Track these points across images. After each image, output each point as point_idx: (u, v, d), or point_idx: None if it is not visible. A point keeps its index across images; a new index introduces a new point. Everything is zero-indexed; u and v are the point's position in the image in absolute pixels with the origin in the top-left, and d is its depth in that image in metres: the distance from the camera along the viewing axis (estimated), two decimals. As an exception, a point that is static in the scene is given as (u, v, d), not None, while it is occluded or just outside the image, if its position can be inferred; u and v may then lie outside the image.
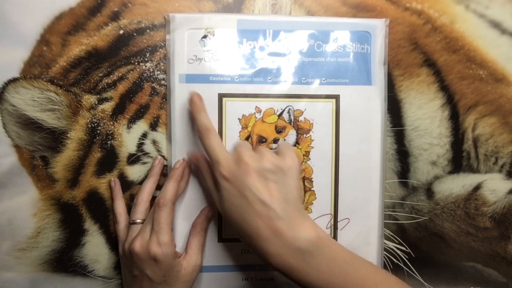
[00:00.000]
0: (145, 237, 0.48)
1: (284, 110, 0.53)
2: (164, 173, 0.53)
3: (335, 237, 0.54)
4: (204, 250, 0.52)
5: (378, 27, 0.54)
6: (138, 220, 0.50)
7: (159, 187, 0.52)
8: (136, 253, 0.47)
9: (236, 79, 0.53)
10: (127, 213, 0.52)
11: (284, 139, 0.53)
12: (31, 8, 0.52)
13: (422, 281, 0.57)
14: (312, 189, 0.54)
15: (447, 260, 0.58)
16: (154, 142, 0.53)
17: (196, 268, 0.50)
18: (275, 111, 0.53)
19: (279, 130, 0.53)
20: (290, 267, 0.42)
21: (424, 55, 0.56)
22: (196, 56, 0.52)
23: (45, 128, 0.52)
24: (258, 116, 0.53)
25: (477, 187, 0.57)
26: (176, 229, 0.53)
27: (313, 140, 0.54)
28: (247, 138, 0.53)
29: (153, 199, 0.51)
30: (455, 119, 0.56)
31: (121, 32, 0.53)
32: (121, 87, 0.53)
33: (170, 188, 0.49)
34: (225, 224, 0.53)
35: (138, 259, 0.47)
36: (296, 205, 0.44)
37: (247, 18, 0.53)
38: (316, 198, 0.54)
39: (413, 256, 0.57)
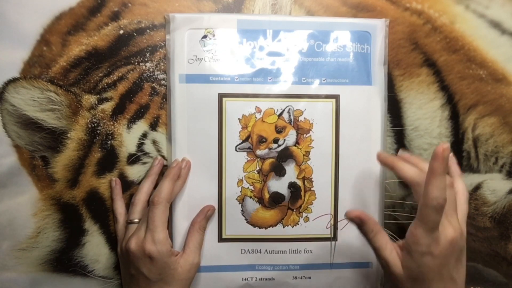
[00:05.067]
0: (140, 236, 0.48)
1: (284, 110, 0.53)
2: (163, 173, 0.53)
3: (335, 237, 0.54)
4: (202, 249, 0.53)
5: (378, 27, 0.54)
6: (136, 220, 0.50)
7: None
8: (132, 251, 0.47)
9: (236, 79, 0.53)
10: (127, 213, 0.52)
11: (284, 139, 0.53)
12: (31, 8, 0.52)
13: (422, 281, 0.57)
14: (312, 189, 0.54)
15: (447, 260, 0.58)
16: (154, 142, 0.53)
17: (194, 267, 0.50)
18: (275, 111, 0.53)
19: (279, 130, 0.53)
20: None
21: (424, 55, 0.56)
22: (196, 56, 0.52)
23: (45, 128, 0.52)
24: (258, 116, 0.53)
25: (477, 187, 0.57)
26: (175, 227, 0.53)
27: (313, 140, 0.54)
28: (247, 138, 0.53)
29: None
30: (455, 119, 0.56)
31: (121, 32, 0.53)
32: (121, 87, 0.53)
33: (165, 186, 0.49)
34: (225, 223, 0.53)
35: (134, 257, 0.47)
36: None
37: (247, 18, 0.53)
38: (316, 198, 0.54)
39: (413, 256, 0.57)
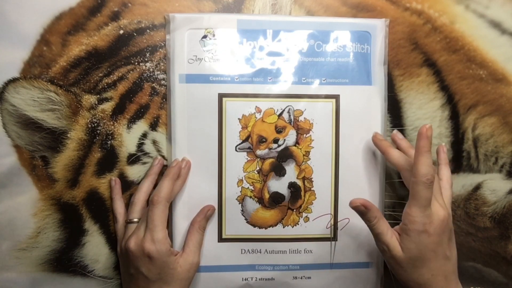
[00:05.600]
0: (139, 235, 0.48)
1: (284, 110, 0.53)
2: (163, 173, 0.53)
3: (335, 237, 0.54)
4: (202, 249, 0.53)
5: (378, 27, 0.54)
6: (135, 219, 0.50)
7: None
8: (131, 251, 0.47)
9: (236, 79, 0.53)
10: (126, 213, 0.52)
11: (284, 139, 0.53)
12: (31, 8, 0.52)
13: (422, 281, 0.57)
14: (312, 189, 0.54)
15: (447, 260, 0.58)
16: (154, 142, 0.53)
17: (193, 266, 0.50)
18: (275, 111, 0.53)
19: (279, 130, 0.53)
20: None
21: (424, 55, 0.56)
22: (196, 56, 0.52)
23: (45, 128, 0.52)
24: (258, 116, 0.53)
25: (477, 187, 0.57)
26: (175, 227, 0.53)
27: (313, 140, 0.54)
28: (247, 138, 0.53)
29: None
30: (455, 119, 0.56)
31: (121, 32, 0.53)
32: (121, 87, 0.53)
33: (164, 186, 0.49)
34: (225, 223, 0.53)
35: (134, 257, 0.47)
36: None
37: (247, 18, 0.53)
38: (316, 198, 0.54)
39: (413, 256, 0.57)
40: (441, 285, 0.46)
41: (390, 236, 0.46)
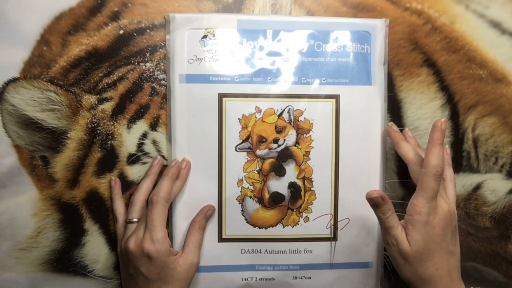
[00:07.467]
0: (139, 235, 0.48)
1: (284, 110, 0.53)
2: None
3: (335, 237, 0.54)
4: (202, 249, 0.53)
5: (378, 27, 0.54)
6: (135, 219, 0.50)
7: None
8: (131, 251, 0.47)
9: (236, 79, 0.53)
10: (126, 213, 0.52)
11: (284, 139, 0.53)
12: (31, 8, 0.52)
13: (422, 281, 0.57)
14: (312, 189, 0.54)
15: (447, 260, 0.58)
16: (154, 142, 0.53)
17: (193, 266, 0.50)
18: (275, 111, 0.53)
19: (279, 130, 0.53)
20: None
21: (424, 55, 0.56)
22: (196, 56, 0.52)
23: (45, 128, 0.52)
24: (258, 116, 0.53)
25: (477, 187, 0.57)
26: (175, 227, 0.53)
27: (313, 140, 0.54)
28: (247, 138, 0.53)
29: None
30: (455, 119, 0.57)
31: (121, 32, 0.53)
32: (121, 87, 0.53)
33: (163, 186, 0.49)
34: (225, 223, 0.53)
35: (133, 257, 0.47)
36: None
37: (247, 18, 0.53)
38: (316, 198, 0.54)
39: (413, 256, 0.57)
40: (444, 281, 0.46)
41: (400, 230, 0.47)
